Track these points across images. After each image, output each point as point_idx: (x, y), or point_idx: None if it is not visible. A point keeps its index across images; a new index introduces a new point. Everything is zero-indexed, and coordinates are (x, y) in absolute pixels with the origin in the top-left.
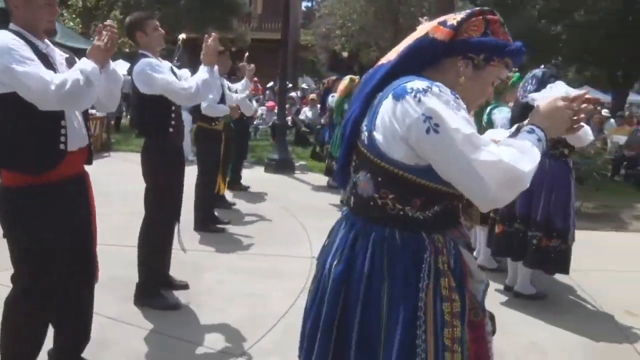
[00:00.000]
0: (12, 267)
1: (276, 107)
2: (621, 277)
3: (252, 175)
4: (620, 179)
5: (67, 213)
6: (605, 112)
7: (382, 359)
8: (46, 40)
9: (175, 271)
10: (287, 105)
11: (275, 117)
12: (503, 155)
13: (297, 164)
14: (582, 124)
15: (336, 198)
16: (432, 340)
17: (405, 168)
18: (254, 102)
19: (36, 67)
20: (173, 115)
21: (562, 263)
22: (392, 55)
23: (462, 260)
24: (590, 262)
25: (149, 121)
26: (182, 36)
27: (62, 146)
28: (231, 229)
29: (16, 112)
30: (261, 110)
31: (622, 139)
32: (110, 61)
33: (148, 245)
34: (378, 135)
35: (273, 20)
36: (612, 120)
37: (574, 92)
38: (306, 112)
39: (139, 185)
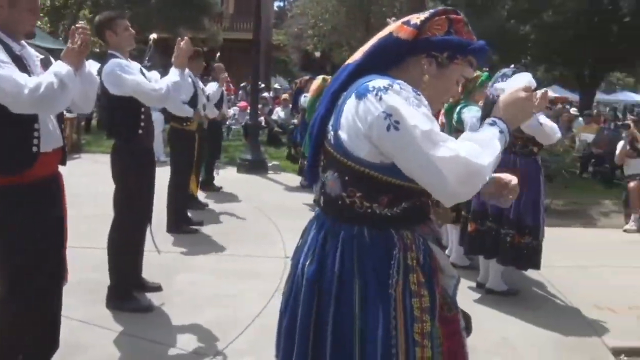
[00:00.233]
0: None
1: (249, 108)
2: (590, 272)
3: (225, 176)
4: (588, 176)
5: (40, 214)
6: (573, 110)
7: (357, 357)
8: (22, 42)
9: (148, 273)
10: (259, 106)
11: (248, 118)
12: (461, 150)
13: (270, 164)
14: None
15: (309, 198)
16: (403, 335)
17: (371, 166)
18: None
19: (10, 70)
20: (143, 116)
21: (534, 259)
22: (358, 54)
23: (432, 256)
24: (559, 258)
25: (119, 122)
26: (153, 36)
27: (34, 148)
28: (204, 229)
29: None
30: (233, 110)
31: (589, 137)
32: (86, 63)
33: (118, 247)
34: (343, 134)
35: (245, 20)
36: (580, 118)
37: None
38: (279, 112)
39: (110, 187)
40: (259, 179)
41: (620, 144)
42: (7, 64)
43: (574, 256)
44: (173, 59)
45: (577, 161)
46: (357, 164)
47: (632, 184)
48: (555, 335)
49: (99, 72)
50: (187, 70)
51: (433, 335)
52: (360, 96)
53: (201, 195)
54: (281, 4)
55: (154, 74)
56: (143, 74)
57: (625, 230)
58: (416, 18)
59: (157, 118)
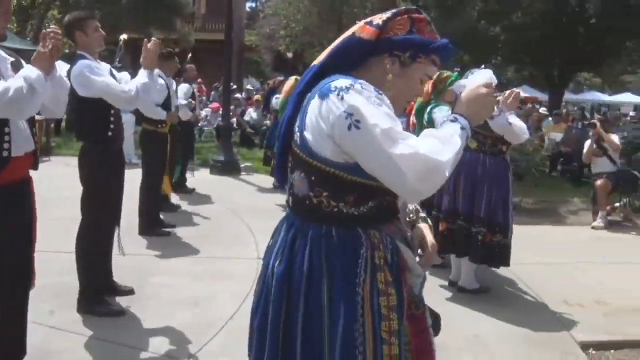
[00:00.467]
0: None
1: (221, 109)
2: (559, 269)
3: (198, 177)
4: (557, 174)
5: (9, 218)
6: (543, 110)
7: (326, 355)
8: None
9: (120, 276)
10: (231, 107)
11: (220, 119)
12: (420, 147)
13: (242, 166)
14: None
15: (282, 198)
16: (371, 333)
17: (336, 165)
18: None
19: None
20: (112, 118)
21: (505, 256)
22: (322, 55)
23: (399, 255)
24: (530, 256)
25: (88, 124)
26: (124, 37)
27: (5, 152)
28: (177, 232)
29: None
30: (205, 111)
31: (558, 136)
32: (57, 67)
33: (86, 250)
34: (308, 135)
35: (217, 20)
36: (549, 118)
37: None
38: (251, 113)
39: (80, 191)
40: (232, 180)
41: (587, 143)
42: None
43: (543, 253)
44: (141, 60)
45: (546, 160)
46: (322, 164)
47: (599, 182)
48: (526, 331)
49: (68, 73)
50: (157, 71)
51: (401, 333)
52: (323, 96)
53: (174, 197)
54: (253, 4)
55: (125, 75)
56: (113, 75)
57: (593, 227)
58: (379, 18)
59: (129, 120)
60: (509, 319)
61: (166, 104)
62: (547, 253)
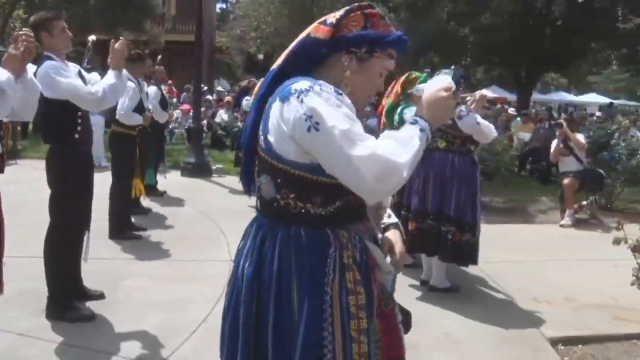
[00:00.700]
0: None
1: (191, 110)
2: (528, 266)
3: (169, 180)
4: (525, 174)
5: None
6: (511, 110)
7: (297, 355)
8: None
9: (91, 281)
10: (202, 109)
11: (191, 121)
12: (379, 148)
13: (213, 167)
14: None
15: (254, 200)
16: (340, 332)
17: (300, 167)
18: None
19: None
20: (80, 120)
21: (473, 255)
22: (280, 59)
23: (368, 254)
24: (500, 254)
25: (54, 126)
26: (92, 38)
27: None
28: (148, 235)
29: None
30: (176, 113)
31: (527, 136)
32: (28, 70)
33: (54, 255)
34: (271, 138)
35: (187, 21)
36: (518, 118)
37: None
38: (222, 115)
39: (49, 194)
40: (203, 182)
41: (554, 143)
42: None
43: (513, 252)
44: (109, 61)
45: (515, 160)
46: (287, 166)
47: (566, 181)
48: (497, 328)
49: (34, 75)
50: (125, 73)
51: (370, 331)
52: (284, 99)
53: (145, 201)
54: (224, 5)
55: (95, 76)
56: (82, 76)
57: (561, 226)
58: (332, 17)
59: (98, 122)
60: (479, 317)
61: (139, 107)
62: (516, 251)
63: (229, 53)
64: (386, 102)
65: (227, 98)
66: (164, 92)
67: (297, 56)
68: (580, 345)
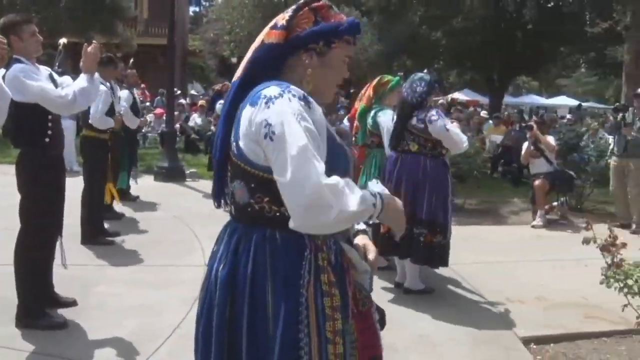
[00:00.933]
0: None
1: (164, 114)
2: (500, 267)
3: (142, 184)
4: (498, 176)
5: None
6: (484, 113)
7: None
8: None
9: (63, 287)
10: (175, 112)
11: (164, 125)
12: (326, 180)
13: (187, 172)
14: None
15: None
16: (316, 334)
17: (272, 171)
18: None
19: None
20: (50, 123)
21: (444, 257)
22: (240, 71)
23: (343, 255)
24: (473, 256)
25: (24, 130)
26: (63, 41)
27: None
28: (122, 240)
29: None
30: (149, 117)
31: (499, 138)
32: None
33: (25, 261)
34: (242, 143)
35: (160, 25)
36: (490, 121)
37: None
38: (195, 119)
39: (19, 199)
40: (177, 186)
41: (525, 145)
42: None
43: (486, 253)
44: (81, 65)
45: (487, 162)
46: (259, 170)
47: (537, 182)
48: (470, 329)
49: (2, 78)
50: (97, 76)
51: (345, 332)
52: (253, 104)
53: (117, 205)
54: (197, 9)
55: (67, 79)
56: (54, 79)
57: (532, 226)
58: (282, 19)
59: (69, 126)
60: (453, 318)
61: (110, 111)
62: (489, 252)
63: (202, 56)
64: (359, 105)
65: (201, 102)
66: (136, 95)
67: (256, 66)
68: (552, 344)
